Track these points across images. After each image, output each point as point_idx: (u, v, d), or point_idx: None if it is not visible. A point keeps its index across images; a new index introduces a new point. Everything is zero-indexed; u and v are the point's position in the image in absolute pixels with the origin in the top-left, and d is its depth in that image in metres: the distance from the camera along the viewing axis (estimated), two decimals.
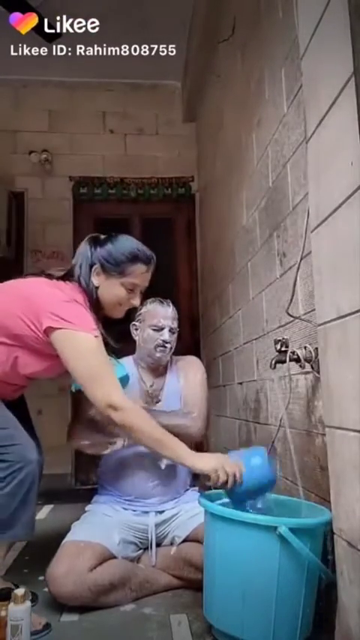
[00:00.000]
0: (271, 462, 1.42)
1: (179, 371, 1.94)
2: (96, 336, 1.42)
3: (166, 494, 1.76)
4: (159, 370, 1.91)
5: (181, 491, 1.80)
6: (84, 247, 1.58)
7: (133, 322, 1.92)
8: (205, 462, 1.37)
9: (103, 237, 1.60)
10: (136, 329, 1.91)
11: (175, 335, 1.89)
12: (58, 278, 1.54)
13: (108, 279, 1.53)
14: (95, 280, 1.53)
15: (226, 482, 1.33)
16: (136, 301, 1.60)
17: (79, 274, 1.53)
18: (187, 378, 1.91)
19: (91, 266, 1.53)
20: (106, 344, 1.50)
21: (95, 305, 1.52)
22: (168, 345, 1.85)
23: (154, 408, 1.80)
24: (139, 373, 1.90)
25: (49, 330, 1.40)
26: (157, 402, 1.85)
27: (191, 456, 1.39)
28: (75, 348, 1.41)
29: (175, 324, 1.88)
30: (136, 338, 1.91)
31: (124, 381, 1.65)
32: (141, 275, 1.57)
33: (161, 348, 1.84)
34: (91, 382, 1.41)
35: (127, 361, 1.93)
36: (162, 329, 1.84)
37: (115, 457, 1.78)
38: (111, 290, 1.54)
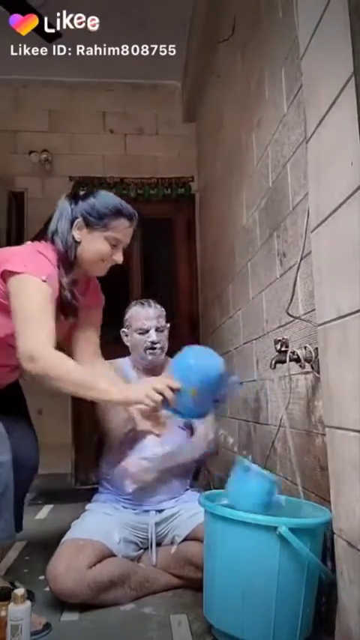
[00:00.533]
0: (206, 351, 1.35)
1: None
2: (44, 280, 1.35)
3: (165, 494, 1.76)
4: (156, 370, 1.89)
5: (180, 491, 1.80)
6: (63, 203, 1.52)
7: (122, 329, 1.93)
8: (135, 391, 1.31)
9: (82, 192, 1.57)
10: (126, 335, 1.92)
11: (165, 332, 1.88)
12: (32, 239, 1.51)
13: (91, 232, 1.48)
14: (77, 234, 1.48)
15: (165, 400, 1.26)
16: (119, 257, 1.51)
17: (54, 230, 1.48)
18: None
19: (72, 221, 1.48)
20: (72, 309, 1.46)
21: (72, 262, 1.47)
22: (157, 346, 1.84)
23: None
24: (138, 377, 1.89)
25: (5, 275, 1.35)
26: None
27: (120, 391, 1.33)
28: (19, 288, 1.34)
29: (161, 322, 1.87)
30: (128, 344, 1.92)
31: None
32: (124, 230, 1.51)
33: (150, 350, 1.84)
34: (22, 326, 1.30)
35: (125, 364, 1.94)
36: (147, 331, 1.84)
37: (115, 457, 1.78)
38: (94, 244, 1.48)
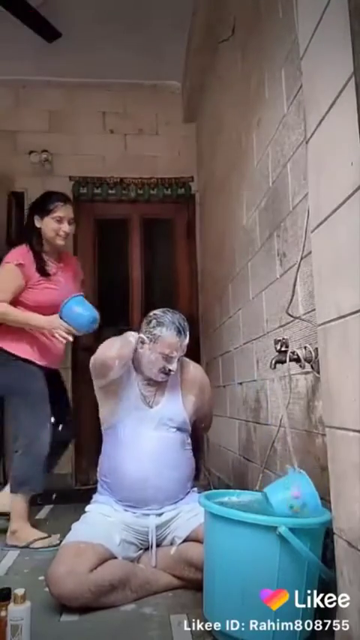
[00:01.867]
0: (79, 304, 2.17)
1: (184, 383, 1.89)
2: (16, 265, 2.24)
3: (165, 500, 1.74)
4: (156, 383, 1.85)
5: (181, 495, 1.78)
6: (26, 219, 2.44)
7: (141, 335, 1.80)
8: (47, 324, 2.20)
9: (28, 206, 2.61)
10: (143, 342, 1.79)
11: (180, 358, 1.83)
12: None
13: (43, 219, 2.33)
14: (38, 224, 2.34)
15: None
16: (65, 227, 2.33)
17: (26, 236, 2.37)
18: (195, 394, 1.89)
19: (32, 220, 2.36)
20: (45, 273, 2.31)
21: (40, 243, 2.35)
22: (172, 373, 1.80)
23: (150, 411, 1.81)
24: (136, 375, 1.84)
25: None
26: (153, 407, 1.82)
27: (37, 319, 2.21)
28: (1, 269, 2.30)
29: (184, 351, 1.81)
30: (141, 351, 1.80)
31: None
32: (62, 207, 2.34)
33: (163, 375, 1.79)
34: None
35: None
36: (171, 358, 1.77)
37: (115, 462, 1.77)
38: (48, 226, 2.33)
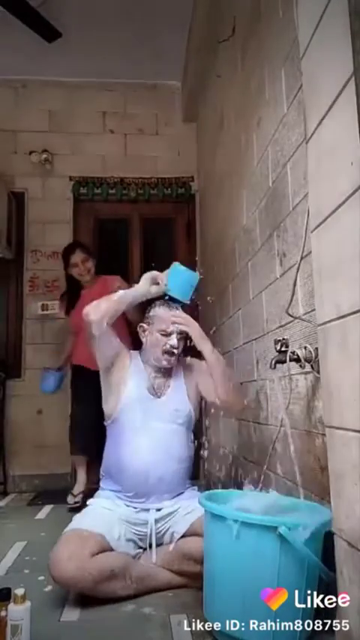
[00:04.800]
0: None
1: (186, 370, 1.95)
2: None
3: (166, 492, 1.76)
4: (165, 372, 1.90)
5: (180, 489, 1.80)
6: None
7: (141, 324, 1.91)
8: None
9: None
10: (144, 331, 1.90)
11: (182, 341, 1.87)
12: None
13: (66, 269, 3.15)
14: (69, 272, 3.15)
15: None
16: (76, 271, 3.09)
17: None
18: (194, 372, 1.93)
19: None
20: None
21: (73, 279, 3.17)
22: (176, 351, 1.84)
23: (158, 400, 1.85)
24: (145, 367, 1.89)
25: None
26: (160, 397, 1.86)
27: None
28: None
29: (185, 322, 1.85)
30: (144, 340, 1.90)
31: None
32: (74, 257, 3.08)
33: (167, 356, 1.83)
34: None
35: (135, 354, 1.93)
36: (170, 334, 1.82)
37: (119, 451, 1.78)
38: (70, 270, 3.13)
